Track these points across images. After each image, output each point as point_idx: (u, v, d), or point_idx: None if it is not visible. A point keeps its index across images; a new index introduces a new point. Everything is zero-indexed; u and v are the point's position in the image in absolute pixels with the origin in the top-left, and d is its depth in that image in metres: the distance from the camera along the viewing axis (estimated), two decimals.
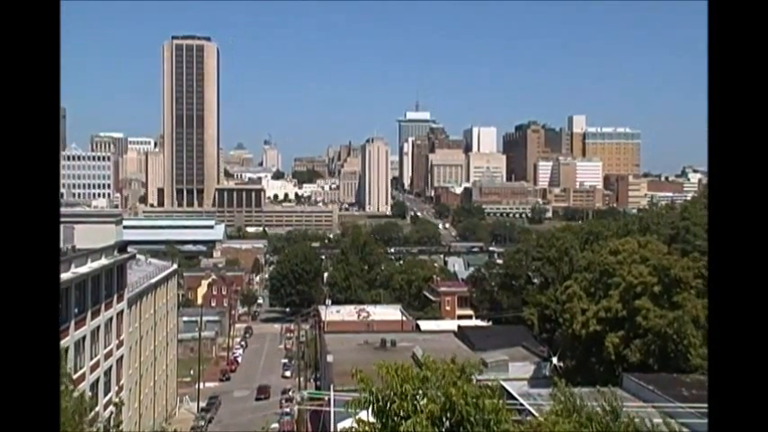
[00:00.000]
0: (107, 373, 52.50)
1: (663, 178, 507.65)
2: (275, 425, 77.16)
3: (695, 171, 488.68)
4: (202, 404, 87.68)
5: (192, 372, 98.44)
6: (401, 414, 13.22)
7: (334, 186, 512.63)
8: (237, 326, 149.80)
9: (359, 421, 13.93)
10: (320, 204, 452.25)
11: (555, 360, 58.99)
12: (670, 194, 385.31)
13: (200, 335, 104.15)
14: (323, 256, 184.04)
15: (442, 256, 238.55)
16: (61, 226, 36.05)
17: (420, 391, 13.55)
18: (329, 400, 41.33)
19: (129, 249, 62.99)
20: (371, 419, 13.82)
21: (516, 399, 34.53)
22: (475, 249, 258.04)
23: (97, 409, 43.65)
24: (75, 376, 38.57)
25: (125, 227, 66.57)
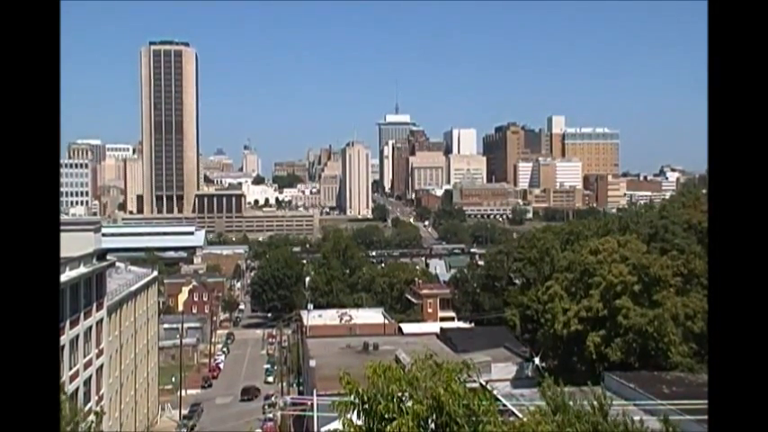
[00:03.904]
0: (87, 382, 51.84)
1: (641, 178, 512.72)
2: (258, 431, 76.71)
3: (673, 170, 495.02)
4: (184, 411, 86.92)
5: (173, 379, 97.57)
6: (387, 415, 13.12)
7: (314, 190, 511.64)
8: (219, 332, 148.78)
9: (346, 422, 13.80)
10: (301, 209, 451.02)
11: (537, 360, 59.30)
12: (648, 193, 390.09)
13: (181, 342, 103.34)
14: (304, 261, 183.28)
15: (423, 258, 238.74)
16: None
17: (407, 393, 13.44)
18: (312, 404, 41.21)
19: (109, 257, 62.37)
20: (357, 421, 13.71)
21: (500, 400, 34.58)
22: (456, 251, 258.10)
23: (76, 419, 43.03)
24: None
25: (104, 234, 65.94)
